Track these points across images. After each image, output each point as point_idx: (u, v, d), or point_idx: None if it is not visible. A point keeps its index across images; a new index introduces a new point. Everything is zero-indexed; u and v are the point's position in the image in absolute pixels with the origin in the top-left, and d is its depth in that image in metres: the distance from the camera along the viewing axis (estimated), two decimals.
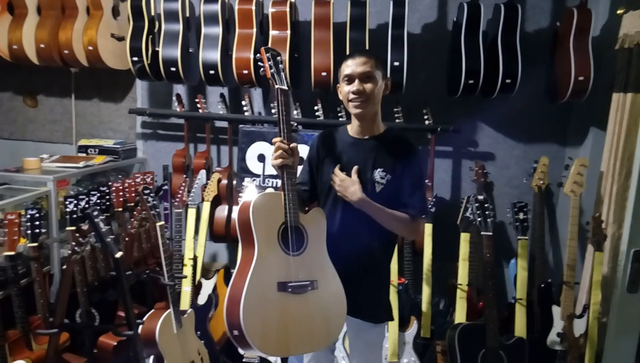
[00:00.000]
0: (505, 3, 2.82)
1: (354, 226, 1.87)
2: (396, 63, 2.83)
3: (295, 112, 3.14)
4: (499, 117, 3.19)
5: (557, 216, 3.25)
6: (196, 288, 2.89)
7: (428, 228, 2.89)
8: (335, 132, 1.97)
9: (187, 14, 3.05)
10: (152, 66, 3.07)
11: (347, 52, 2.86)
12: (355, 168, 1.83)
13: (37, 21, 3.13)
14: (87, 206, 2.69)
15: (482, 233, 2.51)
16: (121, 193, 2.97)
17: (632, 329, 1.72)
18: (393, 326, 2.68)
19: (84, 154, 3.40)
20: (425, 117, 3.06)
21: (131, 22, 3.08)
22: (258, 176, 3.08)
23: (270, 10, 2.94)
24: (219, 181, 3.12)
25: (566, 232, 2.73)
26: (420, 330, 2.78)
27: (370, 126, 1.89)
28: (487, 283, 2.50)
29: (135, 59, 3.05)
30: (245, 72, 2.92)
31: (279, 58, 1.79)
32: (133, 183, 3.05)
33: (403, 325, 2.76)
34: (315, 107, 3.09)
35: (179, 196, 2.90)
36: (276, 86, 1.75)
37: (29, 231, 2.39)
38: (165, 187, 3.39)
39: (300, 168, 1.95)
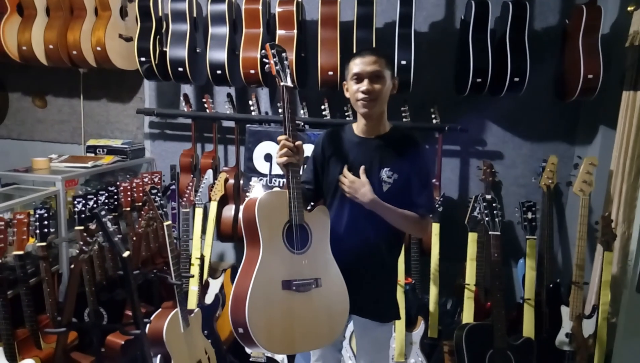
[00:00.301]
0: (513, 1, 2.80)
1: (361, 225, 1.87)
2: (403, 62, 2.82)
3: (302, 111, 3.14)
4: (507, 115, 3.18)
5: (566, 215, 3.22)
6: (203, 288, 2.90)
7: (435, 227, 2.88)
8: (341, 131, 1.96)
9: (195, 14, 3.05)
10: (159, 66, 3.08)
11: (354, 51, 2.86)
12: (362, 168, 1.83)
13: (45, 22, 3.16)
14: (95, 205, 2.71)
15: (490, 232, 2.50)
16: (129, 193, 2.98)
17: None
18: (400, 326, 2.67)
19: (93, 154, 3.42)
20: (433, 116, 3.05)
21: (139, 23, 3.10)
22: (265, 175, 3.08)
23: (277, 9, 2.94)
24: (226, 180, 3.13)
25: (575, 232, 2.71)
26: (428, 330, 2.76)
27: (377, 125, 1.88)
28: (495, 283, 2.48)
29: (143, 59, 3.07)
30: (252, 71, 2.92)
31: (284, 54, 1.78)
32: (141, 183, 3.06)
33: (410, 325, 2.75)
34: (322, 107, 3.09)
35: (187, 195, 2.91)
36: (281, 84, 1.75)
37: (37, 231, 2.41)
38: (173, 187, 3.40)
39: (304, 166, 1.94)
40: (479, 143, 3.26)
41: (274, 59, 1.76)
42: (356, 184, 1.80)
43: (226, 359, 2.73)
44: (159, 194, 2.46)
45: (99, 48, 3.11)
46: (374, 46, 2.84)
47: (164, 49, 3.05)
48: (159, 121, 3.55)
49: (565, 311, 2.70)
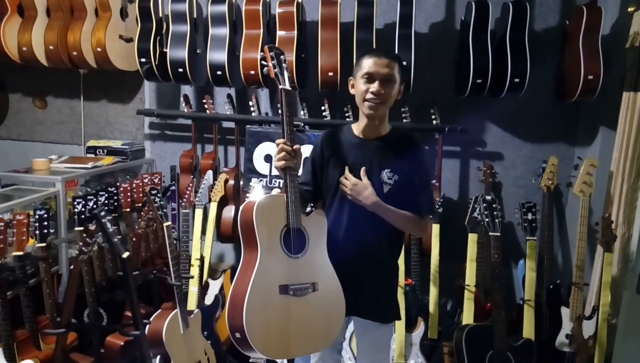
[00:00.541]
0: (513, 2, 2.80)
1: (361, 226, 1.86)
2: (403, 63, 2.79)
3: (302, 112, 3.14)
4: (507, 116, 3.17)
5: (566, 216, 3.22)
6: (203, 289, 2.89)
7: (435, 228, 2.87)
8: (340, 132, 1.96)
9: (195, 15, 3.05)
10: (159, 67, 3.08)
11: (354, 52, 2.86)
12: (363, 169, 1.83)
13: (46, 23, 3.16)
14: (95, 206, 2.70)
15: (490, 233, 2.50)
16: (129, 194, 2.98)
17: None
18: (400, 327, 2.67)
19: (93, 155, 3.42)
20: (433, 117, 3.05)
21: (139, 24, 3.10)
22: (265, 176, 3.08)
23: (277, 10, 2.94)
24: (226, 181, 3.12)
25: (575, 233, 2.71)
26: (428, 331, 2.76)
27: (378, 126, 1.88)
28: (495, 284, 2.48)
29: (143, 60, 3.07)
30: (253, 72, 2.92)
31: (282, 57, 1.77)
32: (141, 184, 3.06)
33: (410, 326, 2.75)
34: (322, 108, 3.09)
35: (186, 196, 2.91)
36: (280, 87, 1.75)
37: (37, 232, 2.41)
38: (173, 188, 3.40)
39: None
40: (479, 144, 3.26)
41: (273, 62, 1.75)
42: (358, 187, 1.80)
43: (226, 360, 2.72)
44: (158, 195, 2.46)
45: (99, 49, 3.11)
46: (374, 46, 2.84)
47: (164, 49, 3.05)
48: (159, 122, 3.55)
49: (565, 312, 2.70)
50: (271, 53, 1.76)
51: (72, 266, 2.35)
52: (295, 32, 2.93)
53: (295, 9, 2.91)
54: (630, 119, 2.62)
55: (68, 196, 2.90)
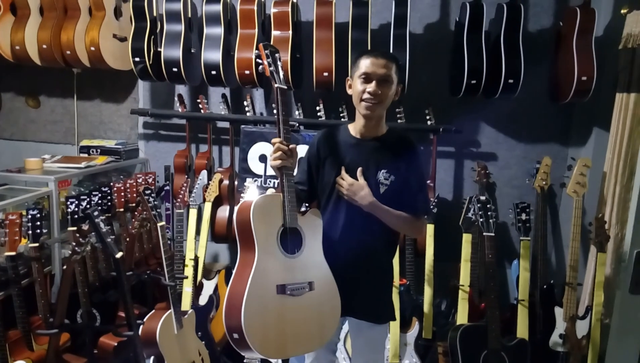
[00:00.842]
0: (507, 3, 2.81)
1: (357, 226, 1.86)
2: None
3: (296, 112, 3.14)
4: (501, 117, 3.19)
5: (559, 216, 3.23)
6: (197, 289, 2.88)
7: (430, 228, 2.88)
8: (336, 132, 1.95)
9: (189, 15, 3.04)
10: (154, 67, 3.07)
11: (350, 52, 2.86)
12: (360, 169, 1.82)
13: (39, 22, 3.14)
14: (88, 206, 2.69)
15: (484, 233, 2.50)
16: (123, 194, 2.97)
17: (634, 331, 1.71)
18: (394, 327, 2.67)
19: (86, 155, 3.40)
20: (427, 117, 3.05)
21: (133, 23, 3.08)
22: (259, 176, 3.07)
23: (272, 10, 2.93)
24: (221, 181, 3.11)
25: (569, 233, 2.72)
26: (422, 331, 2.76)
27: (375, 126, 1.87)
28: (489, 284, 2.49)
29: (137, 59, 3.06)
30: (247, 72, 2.92)
31: (277, 55, 1.77)
32: (134, 184, 3.04)
33: (404, 326, 2.75)
34: (317, 108, 3.08)
35: (181, 196, 2.90)
36: (275, 85, 1.74)
37: (30, 232, 2.39)
38: (167, 187, 3.38)
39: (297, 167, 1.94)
40: (473, 144, 3.27)
41: (268, 60, 1.74)
42: (355, 187, 1.80)
43: (220, 361, 2.72)
44: (152, 195, 2.45)
45: (92, 48, 3.09)
46: (369, 47, 2.84)
47: (159, 49, 3.04)
48: (153, 122, 3.54)
49: (558, 312, 2.71)
50: (266, 51, 1.75)
51: (65, 267, 2.34)
52: (290, 32, 2.92)
53: (290, 9, 2.90)
54: (623, 120, 2.64)
55: (61, 195, 2.88)
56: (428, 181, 3.03)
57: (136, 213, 2.91)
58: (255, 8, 2.92)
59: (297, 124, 3.08)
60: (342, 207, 1.87)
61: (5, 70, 3.55)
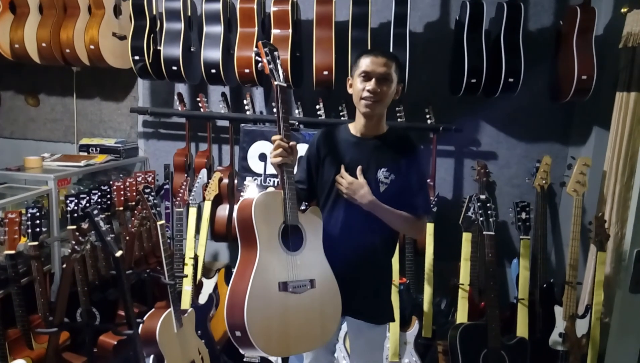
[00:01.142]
0: (507, 2, 2.81)
1: (356, 226, 1.86)
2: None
3: (296, 111, 3.14)
4: (501, 116, 3.19)
5: (559, 215, 3.23)
6: (197, 288, 2.88)
7: (430, 227, 2.88)
8: (336, 131, 1.95)
9: (189, 13, 3.04)
10: (153, 65, 3.07)
11: (349, 51, 2.85)
12: (359, 168, 1.82)
13: (38, 20, 3.13)
14: (87, 205, 2.69)
15: (484, 232, 2.50)
16: (122, 192, 2.96)
17: (634, 329, 1.71)
18: (394, 326, 2.67)
19: (85, 153, 3.40)
20: (427, 116, 3.05)
21: (133, 21, 3.08)
22: (259, 175, 3.07)
23: (272, 8, 2.93)
24: (220, 180, 3.11)
25: (569, 232, 2.72)
26: (422, 330, 2.76)
27: (375, 125, 1.87)
28: (489, 283, 2.48)
29: (136, 58, 3.05)
30: (247, 71, 2.92)
31: (276, 53, 1.77)
32: (134, 182, 3.04)
33: (404, 325, 2.75)
34: (317, 106, 3.08)
35: (180, 195, 2.90)
36: (275, 83, 1.74)
37: (29, 230, 2.39)
38: (167, 186, 3.38)
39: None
40: (473, 143, 3.27)
41: (267, 58, 1.74)
42: (354, 186, 1.80)
43: (220, 359, 2.72)
44: (152, 193, 2.45)
45: (92, 46, 3.09)
46: (369, 46, 2.84)
47: (158, 47, 3.04)
48: (153, 120, 3.53)
49: (558, 311, 2.71)
50: (265, 49, 1.74)
51: (64, 265, 2.33)
52: (290, 30, 2.92)
53: (290, 8, 2.90)
54: (623, 119, 2.63)
55: (61, 194, 2.88)
56: (428, 180, 3.03)
57: (136, 211, 2.90)
58: (255, 6, 2.92)
59: (297, 123, 3.08)
60: (342, 206, 1.86)
61: (4, 68, 3.54)
